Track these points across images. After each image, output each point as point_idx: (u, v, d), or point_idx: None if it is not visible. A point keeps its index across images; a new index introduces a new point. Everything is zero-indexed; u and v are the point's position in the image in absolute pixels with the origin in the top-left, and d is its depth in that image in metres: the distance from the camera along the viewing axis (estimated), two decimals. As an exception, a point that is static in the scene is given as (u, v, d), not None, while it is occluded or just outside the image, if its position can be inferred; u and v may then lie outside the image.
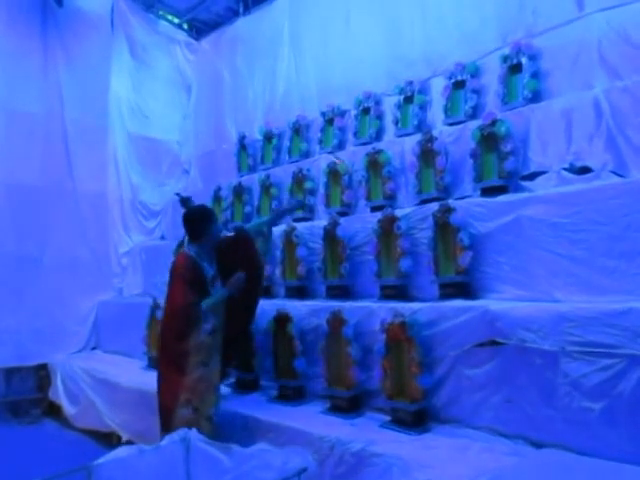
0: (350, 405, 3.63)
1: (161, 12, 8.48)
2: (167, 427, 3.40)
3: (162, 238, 7.58)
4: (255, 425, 3.66)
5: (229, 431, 3.72)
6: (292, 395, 4.02)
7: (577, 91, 3.99)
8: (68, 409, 5.88)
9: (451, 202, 3.76)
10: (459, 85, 4.81)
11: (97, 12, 7.53)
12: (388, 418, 3.39)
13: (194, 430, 2.81)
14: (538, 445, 2.81)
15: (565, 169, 3.72)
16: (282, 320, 4.16)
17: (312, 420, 3.57)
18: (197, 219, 3.82)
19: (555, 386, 2.80)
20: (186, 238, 3.92)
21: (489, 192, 3.89)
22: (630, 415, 2.53)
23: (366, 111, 5.49)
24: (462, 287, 3.59)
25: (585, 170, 3.66)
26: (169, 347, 3.63)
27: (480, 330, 3.13)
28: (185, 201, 4.51)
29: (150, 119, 8.07)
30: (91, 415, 5.40)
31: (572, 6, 4.49)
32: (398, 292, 3.93)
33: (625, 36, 3.98)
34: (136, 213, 7.61)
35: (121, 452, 2.55)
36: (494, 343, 3.06)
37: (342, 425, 3.42)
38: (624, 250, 3.01)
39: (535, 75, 4.34)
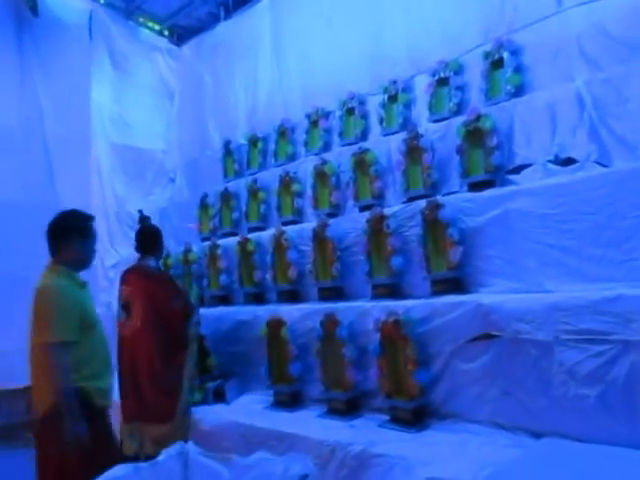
0: (348, 407, 3.67)
1: (141, 19, 8.47)
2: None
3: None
4: (253, 433, 3.68)
5: (227, 441, 3.74)
6: (289, 400, 4.05)
7: (559, 84, 4.06)
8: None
9: (439, 198, 3.82)
10: (443, 82, 4.88)
11: (75, 21, 7.48)
12: (387, 417, 3.44)
13: (191, 443, 2.81)
14: (537, 435, 2.87)
15: (550, 161, 3.79)
16: (275, 325, 4.19)
17: (311, 425, 3.61)
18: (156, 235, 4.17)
19: (551, 375, 2.86)
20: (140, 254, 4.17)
21: (476, 187, 3.95)
22: (624, 400, 2.60)
23: (350, 111, 5.55)
24: (454, 282, 3.64)
25: (569, 161, 3.72)
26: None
27: (474, 324, 3.19)
28: (144, 220, 4.57)
29: (133, 128, 8.05)
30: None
31: (551, 1, 4.58)
32: (390, 290, 3.99)
33: (603, 29, 4.07)
34: (122, 225, 7.59)
35: (117, 471, 2.52)
36: (488, 336, 3.13)
37: (341, 428, 3.46)
38: (611, 238, 3.08)
39: (517, 70, 4.42)
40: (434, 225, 3.76)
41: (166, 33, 8.79)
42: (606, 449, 2.54)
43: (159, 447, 3.25)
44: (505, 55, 4.48)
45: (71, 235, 2.93)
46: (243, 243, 5.20)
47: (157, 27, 8.68)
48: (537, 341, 2.90)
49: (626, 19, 3.95)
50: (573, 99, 3.84)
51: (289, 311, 4.31)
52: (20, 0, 6.86)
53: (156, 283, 4.14)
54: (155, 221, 7.43)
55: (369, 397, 3.71)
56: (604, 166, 3.53)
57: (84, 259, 3.10)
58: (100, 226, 7.33)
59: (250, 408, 4.18)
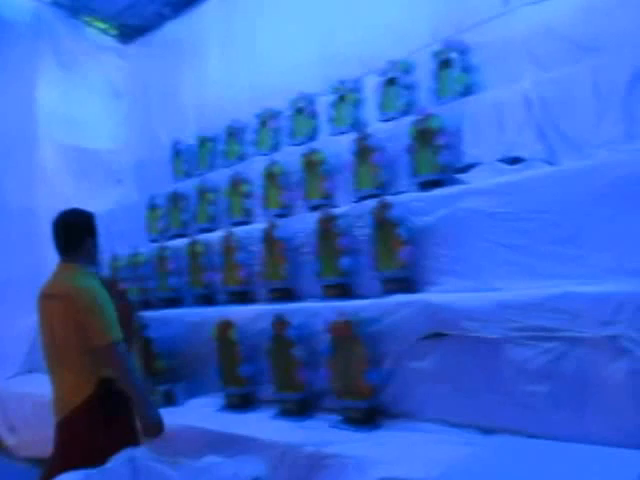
0: (300, 408, 3.57)
1: (88, 18, 8.21)
2: None
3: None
4: (204, 436, 3.55)
5: (178, 445, 3.59)
6: (240, 402, 3.93)
7: (507, 84, 4.07)
8: (8, 438, 5.55)
9: (389, 198, 3.77)
10: (392, 82, 4.85)
11: (20, 20, 7.21)
12: (339, 418, 3.35)
13: (141, 448, 2.68)
14: (488, 432, 2.82)
15: (498, 160, 3.79)
16: (225, 327, 4.06)
17: (262, 426, 3.50)
18: None
19: (500, 372, 2.82)
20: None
21: (426, 186, 3.92)
22: (573, 395, 2.58)
23: (300, 111, 5.47)
24: (404, 281, 3.59)
25: (517, 160, 3.73)
26: None
27: (424, 323, 3.13)
28: None
29: (81, 128, 7.77)
30: (34, 443, 5.05)
31: (498, 2, 4.61)
32: (341, 290, 3.91)
33: (550, 30, 4.11)
34: (69, 227, 7.29)
35: (66, 478, 2.40)
36: (438, 335, 3.07)
37: (293, 429, 3.36)
38: (560, 236, 3.07)
39: (466, 70, 4.43)
40: (384, 225, 3.70)
41: (113, 32, 8.54)
42: (556, 445, 2.51)
43: None
44: (454, 55, 4.47)
45: (84, 233, 2.82)
46: (192, 245, 5.05)
47: (104, 26, 8.43)
48: (486, 339, 2.86)
49: (573, 19, 4.01)
50: (521, 99, 3.85)
51: (239, 312, 4.19)
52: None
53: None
54: (103, 223, 7.21)
55: (321, 398, 3.62)
56: (551, 165, 3.54)
57: (95, 256, 2.98)
58: (46, 229, 7.08)
59: (201, 411, 4.04)
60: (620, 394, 2.45)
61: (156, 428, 2.80)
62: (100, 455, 2.45)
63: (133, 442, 2.81)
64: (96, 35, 8.32)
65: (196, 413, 3.97)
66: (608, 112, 3.49)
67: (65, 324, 2.68)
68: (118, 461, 2.57)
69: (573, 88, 3.65)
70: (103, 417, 2.70)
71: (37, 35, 7.41)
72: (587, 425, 2.53)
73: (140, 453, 2.62)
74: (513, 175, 3.53)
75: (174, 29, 7.66)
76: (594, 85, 3.57)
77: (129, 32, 8.52)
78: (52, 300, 2.73)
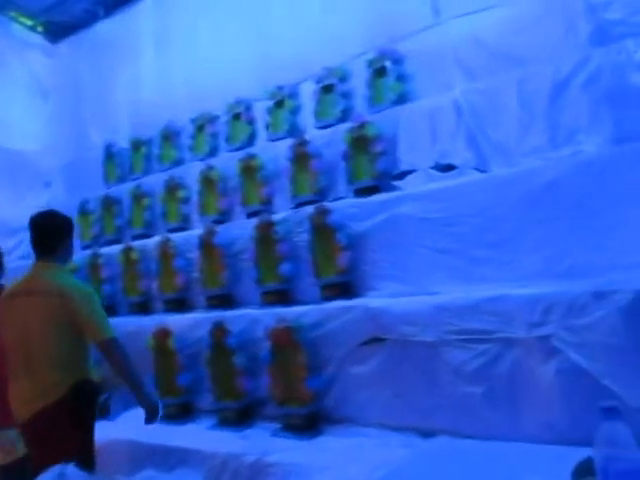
0: (240, 417, 3.51)
1: (13, 14, 7.76)
2: None
3: (23, 258, 6.93)
4: (140, 450, 3.44)
5: (112, 459, 3.45)
6: (178, 413, 3.83)
7: (439, 93, 4.14)
8: None
9: (327, 204, 3.77)
10: (328, 89, 4.83)
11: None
12: (280, 425, 3.31)
13: (71, 465, 2.55)
14: (428, 435, 2.86)
15: (431, 167, 3.85)
16: (162, 335, 3.94)
17: (201, 437, 3.43)
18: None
19: (438, 375, 2.87)
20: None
21: (363, 192, 3.94)
22: (508, 395, 2.65)
23: (237, 117, 5.38)
24: (343, 287, 3.59)
25: (449, 168, 3.80)
26: None
27: (364, 328, 3.14)
28: None
29: (5, 129, 7.34)
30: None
31: (430, 13, 4.69)
32: (280, 297, 3.87)
33: (478, 41, 4.21)
34: (-11, 231, 6.89)
35: None
36: (378, 340, 3.09)
37: (233, 438, 3.30)
38: (493, 240, 3.16)
39: (400, 78, 4.46)
40: (322, 231, 3.69)
41: (40, 29, 8.12)
42: (493, 445, 2.57)
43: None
44: (388, 64, 4.51)
45: (65, 234, 2.89)
46: (127, 251, 4.88)
47: (30, 22, 8.00)
48: (424, 342, 2.91)
49: (499, 31, 4.11)
50: (452, 107, 3.93)
51: (176, 321, 4.09)
52: None
53: None
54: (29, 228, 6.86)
55: (261, 406, 3.57)
56: (482, 171, 3.62)
57: (71, 256, 3.07)
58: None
59: (136, 423, 3.86)
60: (552, 393, 2.53)
61: (157, 412, 2.91)
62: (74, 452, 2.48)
63: (91, 449, 2.81)
64: (22, 32, 7.89)
65: (132, 425, 3.79)
66: (534, 121, 3.60)
67: (48, 320, 2.68)
68: (47, 476, 2.45)
69: (501, 97, 3.76)
70: (76, 416, 2.71)
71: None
72: (522, 424, 2.60)
73: (70, 470, 2.50)
74: (446, 181, 3.60)
75: (107, 28, 7.35)
76: (520, 95, 3.68)
77: (57, 30, 8.09)
78: (32, 296, 2.72)
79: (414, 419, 2.94)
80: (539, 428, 2.55)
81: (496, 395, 2.68)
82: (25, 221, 6.61)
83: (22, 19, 7.92)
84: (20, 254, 6.96)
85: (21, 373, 2.71)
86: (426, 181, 3.78)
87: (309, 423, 3.20)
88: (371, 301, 3.25)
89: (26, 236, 6.77)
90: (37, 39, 8.05)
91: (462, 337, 2.79)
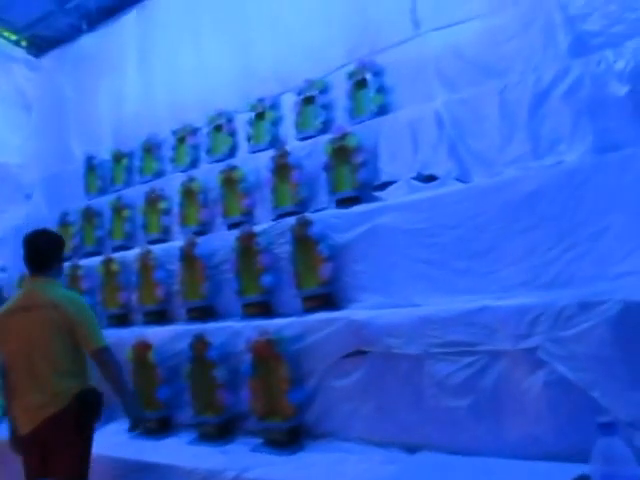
0: (220, 431, 3.35)
1: (-5, 28, 7.62)
2: None
3: (1, 270, 6.69)
4: (117, 466, 3.27)
5: (90, 477, 3.25)
6: (157, 428, 3.64)
7: (419, 104, 4.05)
8: None
9: (308, 215, 3.64)
10: (309, 101, 4.74)
11: None
12: (261, 440, 3.15)
13: None
14: (412, 449, 2.71)
15: (413, 178, 3.74)
16: (141, 348, 3.77)
17: (180, 453, 3.27)
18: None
19: (422, 388, 2.73)
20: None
21: (344, 203, 3.83)
22: (494, 408, 2.51)
23: (218, 128, 5.25)
24: (325, 299, 3.45)
25: (431, 178, 3.70)
26: None
27: (346, 340, 3.00)
28: None
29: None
30: None
31: (410, 26, 4.61)
32: (262, 309, 3.73)
33: (458, 52, 4.14)
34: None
35: None
36: (361, 352, 2.95)
37: (213, 454, 3.14)
38: (475, 250, 3.05)
39: (380, 90, 4.38)
40: (304, 242, 3.55)
41: (24, 43, 7.96)
42: (479, 460, 2.44)
43: None
44: (368, 76, 4.42)
45: (57, 251, 2.95)
46: (107, 263, 4.71)
47: (14, 37, 7.84)
48: (408, 355, 2.77)
49: (479, 42, 4.05)
50: (433, 118, 3.84)
51: (156, 333, 3.92)
52: None
53: None
54: (10, 240, 6.64)
55: (242, 420, 3.41)
56: (463, 182, 3.52)
57: (63, 271, 3.15)
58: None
59: (114, 439, 3.69)
60: (538, 407, 2.40)
61: (142, 422, 2.99)
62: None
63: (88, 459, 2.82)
64: (5, 45, 7.72)
65: (108, 441, 3.60)
66: (515, 131, 3.52)
67: (48, 332, 2.71)
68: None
69: (482, 108, 3.68)
70: (79, 424, 2.73)
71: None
72: (508, 439, 2.47)
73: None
74: (427, 192, 3.50)
75: (90, 42, 7.21)
76: (501, 105, 3.61)
77: (42, 44, 7.95)
78: (30, 311, 2.74)
79: (398, 434, 2.80)
80: (526, 442, 2.42)
81: (482, 409, 2.55)
82: (4, 234, 6.42)
83: (6, 33, 7.75)
84: (-1, 266, 6.73)
85: (27, 385, 2.72)
86: (408, 192, 3.67)
87: (291, 438, 3.04)
88: (354, 313, 3.12)
89: (5, 248, 6.61)
90: (21, 53, 7.89)
91: (446, 350, 2.67)
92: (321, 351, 3.10)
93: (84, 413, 2.75)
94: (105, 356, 2.78)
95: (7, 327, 2.79)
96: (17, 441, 2.80)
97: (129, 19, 6.84)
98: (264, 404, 3.18)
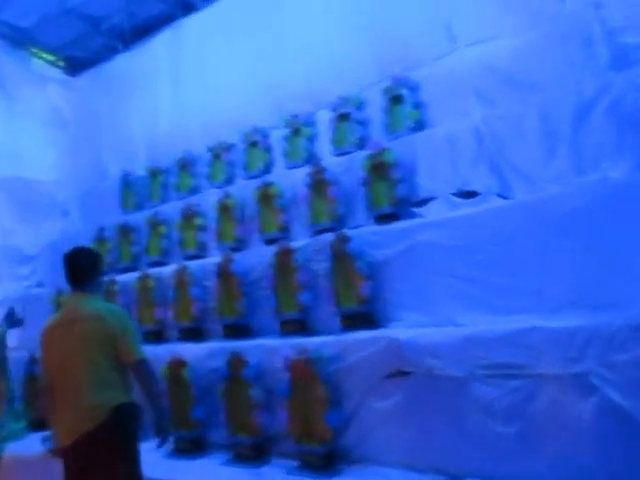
0: (255, 453, 3.29)
1: (34, 49, 7.83)
2: None
3: (39, 285, 6.78)
4: (149, 486, 3.21)
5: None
6: (190, 447, 3.59)
7: (457, 119, 3.99)
8: None
9: (347, 231, 3.58)
10: (344, 117, 4.71)
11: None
12: (296, 463, 3.08)
13: None
14: (455, 477, 2.62)
15: (453, 194, 3.67)
16: (176, 365, 3.74)
17: (214, 474, 3.22)
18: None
19: (467, 412, 2.64)
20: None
21: (382, 219, 3.77)
22: (544, 436, 2.41)
23: (254, 145, 5.25)
24: (364, 317, 3.38)
25: (471, 194, 3.63)
26: None
27: (387, 360, 2.93)
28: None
29: (22, 159, 7.29)
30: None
31: (444, 41, 4.57)
32: (299, 326, 3.67)
33: (494, 67, 4.08)
34: (7, 259, 6.76)
35: None
36: (402, 373, 2.87)
37: (247, 476, 3.08)
38: (517, 268, 2.96)
39: (416, 105, 4.34)
40: (342, 259, 3.49)
41: (60, 64, 8.17)
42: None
43: None
44: (404, 91, 4.38)
45: (98, 268, 2.99)
46: (143, 279, 4.71)
47: (51, 57, 8.06)
48: (452, 377, 2.68)
49: (515, 58, 3.99)
50: (471, 134, 3.77)
51: (191, 350, 3.89)
52: None
53: None
54: (46, 256, 6.75)
55: (277, 441, 3.34)
56: (504, 198, 3.44)
57: (102, 286, 3.26)
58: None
59: (147, 457, 3.63)
60: (589, 435, 2.29)
61: (169, 434, 2.89)
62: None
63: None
64: (42, 66, 7.93)
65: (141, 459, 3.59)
66: (557, 146, 3.44)
67: (89, 344, 2.71)
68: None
69: (522, 123, 3.60)
70: (118, 444, 2.67)
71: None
72: (555, 469, 2.36)
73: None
74: (468, 208, 3.43)
75: (124, 62, 7.35)
76: (542, 120, 3.53)
77: (77, 64, 8.16)
78: (72, 325, 2.76)
79: (440, 460, 2.71)
80: (574, 475, 2.30)
81: (529, 436, 2.45)
82: (41, 249, 6.50)
83: (43, 54, 7.97)
84: (35, 282, 6.82)
85: (67, 398, 2.70)
86: (447, 208, 3.61)
87: (327, 462, 2.97)
88: (394, 332, 3.04)
89: (42, 263, 6.69)
90: (56, 73, 8.11)
91: (492, 372, 2.57)
92: (360, 371, 3.03)
93: (121, 428, 2.68)
94: (143, 368, 2.77)
95: (49, 341, 2.79)
96: (58, 452, 2.75)
97: (162, 39, 6.96)
98: (301, 426, 3.11)
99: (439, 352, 2.74)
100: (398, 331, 3.06)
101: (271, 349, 3.46)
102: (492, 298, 3.02)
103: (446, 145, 3.87)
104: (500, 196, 3.48)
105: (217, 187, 5.25)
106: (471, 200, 3.56)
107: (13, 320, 3.77)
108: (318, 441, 3.01)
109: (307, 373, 3.08)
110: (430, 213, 3.62)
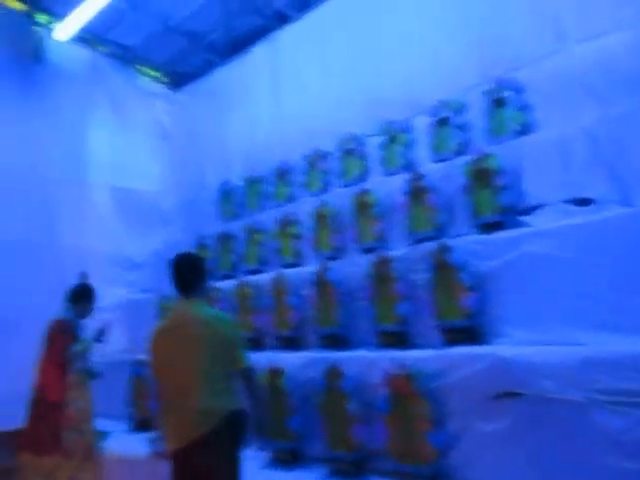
0: (354, 469, 3.18)
1: (139, 66, 8.26)
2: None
3: (144, 291, 7.09)
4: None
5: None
6: (288, 459, 3.55)
7: (567, 121, 3.72)
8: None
9: (448, 240, 3.42)
10: (443, 122, 4.55)
11: (76, 68, 7.28)
12: (397, 483, 2.95)
13: None
14: (570, 511, 2.39)
15: (565, 201, 3.41)
16: (274, 374, 3.72)
17: (313, 487, 3.15)
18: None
19: (585, 442, 2.40)
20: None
21: (486, 228, 3.58)
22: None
23: (350, 152, 5.19)
24: (468, 332, 3.20)
25: (586, 201, 3.35)
26: None
27: (494, 379, 2.74)
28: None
29: (130, 171, 7.71)
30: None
31: (552, 39, 4.30)
32: (397, 339, 3.54)
33: (609, 65, 3.77)
34: (116, 265, 7.14)
35: None
36: (511, 394, 2.67)
37: (347, 493, 2.99)
38: (635, 284, 2.67)
39: (522, 108, 4.11)
40: (444, 269, 3.34)
41: (163, 79, 8.59)
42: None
43: None
44: (507, 94, 4.16)
45: (202, 273, 3.00)
46: (241, 286, 4.77)
47: (154, 73, 8.48)
48: (568, 402, 2.45)
49: (632, 54, 3.66)
50: (585, 136, 3.51)
51: (288, 359, 3.85)
52: (24, 48, 6.64)
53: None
54: (151, 263, 7.06)
55: (377, 459, 3.20)
56: (625, 206, 3.14)
57: (208, 291, 3.29)
58: (94, 267, 6.92)
59: (244, 466, 3.66)
60: None
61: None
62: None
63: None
64: (147, 82, 8.36)
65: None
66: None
67: (199, 350, 2.71)
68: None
69: (642, 123, 3.28)
70: (227, 447, 2.67)
71: (92, 83, 7.46)
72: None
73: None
74: (582, 217, 3.16)
75: (222, 75, 7.59)
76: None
77: (179, 79, 8.55)
78: (182, 330, 2.77)
79: (555, 491, 2.48)
80: None
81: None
82: (146, 256, 6.78)
83: (148, 71, 8.38)
84: (141, 287, 7.14)
85: (177, 403, 2.71)
86: (558, 216, 3.35)
87: (431, 483, 2.82)
88: (501, 349, 2.84)
89: (147, 270, 6.99)
90: (160, 89, 8.51)
91: (615, 398, 2.32)
92: (464, 390, 2.85)
93: (232, 435, 2.68)
94: (252, 376, 2.80)
95: (159, 345, 2.81)
96: (167, 455, 2.77)
97: (258, 51, 7.10)
98: (401, 444, 2.98)
99: (553, 373, 2.52)
100: (505, 348, 2.86)
101: (369, 361, 3.35)
102: (609, 316, 2.77)
103: (556, 149, 3.62)
104: (620, 204, 3.18)
105: (313, 195, 5.24)
106: (586, 208, 3.28)
107: (100, 338, 3.93)
108: (421, 461, 2.86)
109: (407, 390, 2.96)
110: (539, 222, 3.37)
